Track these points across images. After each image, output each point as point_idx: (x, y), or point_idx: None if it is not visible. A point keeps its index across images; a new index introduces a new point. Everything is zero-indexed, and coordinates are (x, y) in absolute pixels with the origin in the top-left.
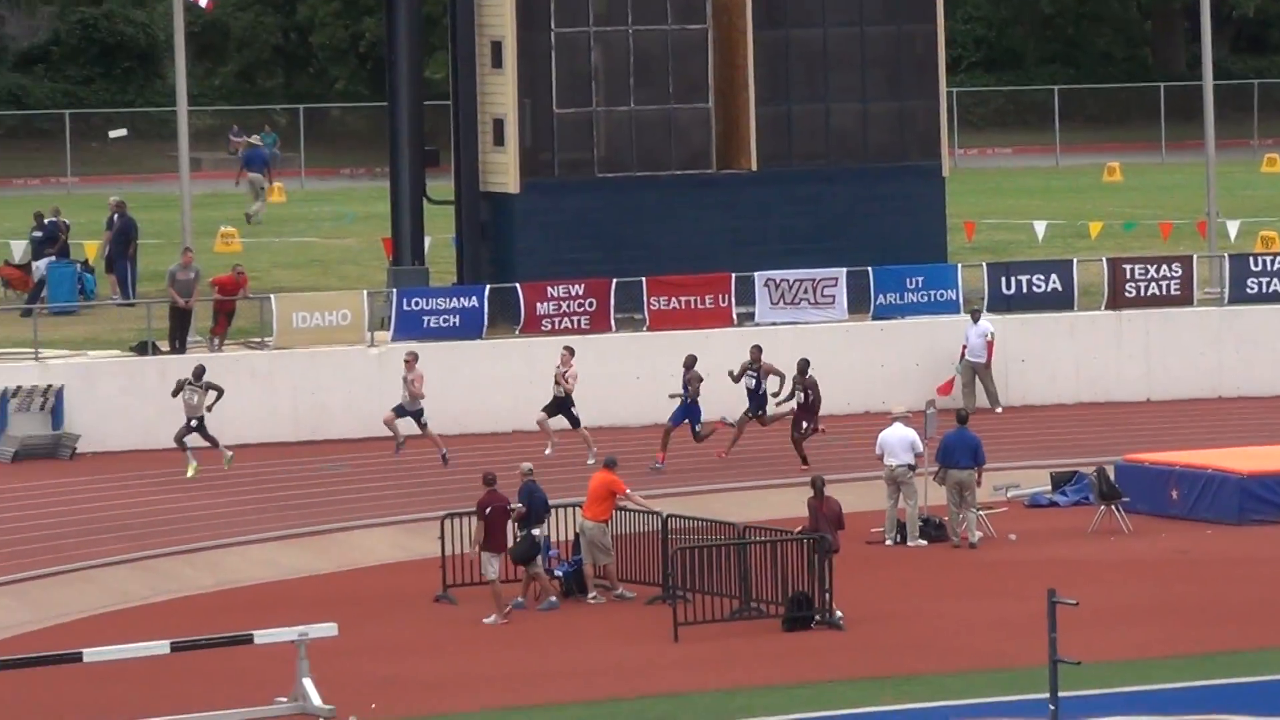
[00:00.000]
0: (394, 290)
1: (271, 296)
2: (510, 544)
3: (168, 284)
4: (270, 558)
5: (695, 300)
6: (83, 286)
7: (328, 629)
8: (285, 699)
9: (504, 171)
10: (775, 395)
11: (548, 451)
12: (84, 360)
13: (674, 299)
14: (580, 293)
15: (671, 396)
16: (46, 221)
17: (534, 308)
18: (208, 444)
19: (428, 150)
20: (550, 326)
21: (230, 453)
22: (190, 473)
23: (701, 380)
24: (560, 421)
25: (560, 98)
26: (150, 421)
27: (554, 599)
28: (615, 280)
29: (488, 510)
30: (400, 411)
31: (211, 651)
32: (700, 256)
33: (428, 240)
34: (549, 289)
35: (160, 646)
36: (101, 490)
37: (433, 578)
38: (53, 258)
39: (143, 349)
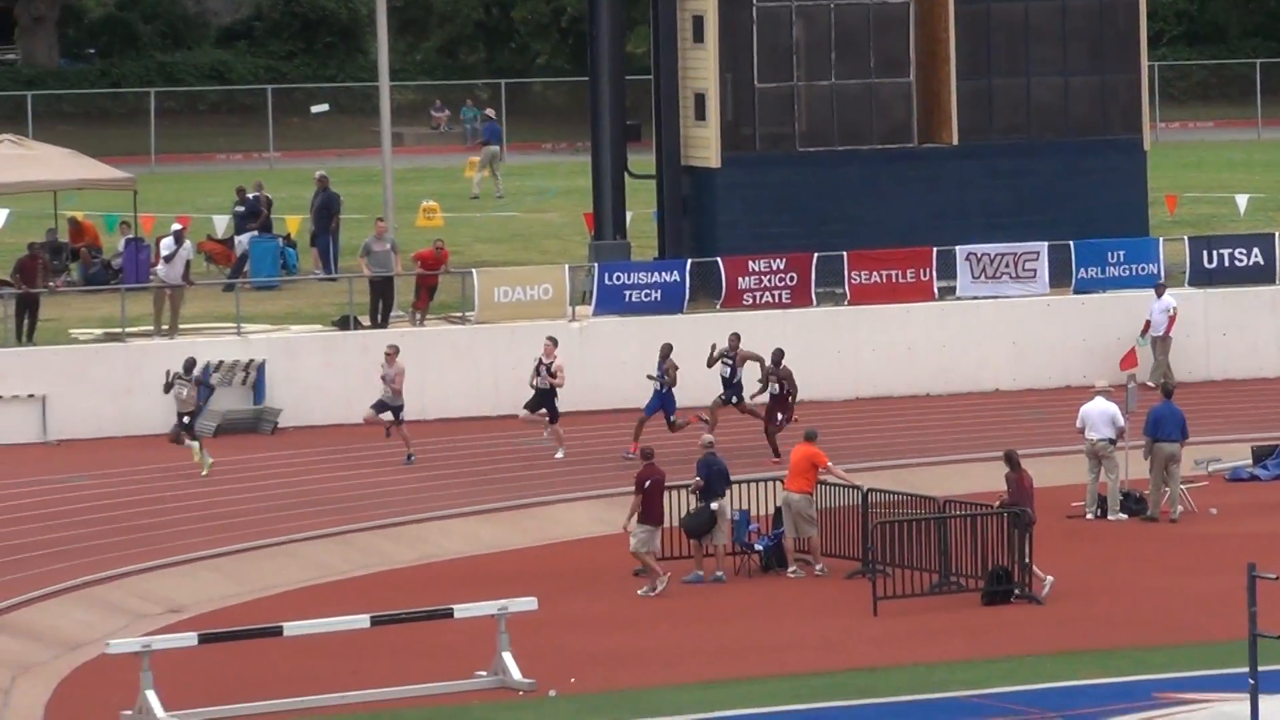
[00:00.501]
0: (595, 264)
1: (473, 271)
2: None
3: (360, 256)
4: (470, 532)
5: (896, 274)
6: (285, 261)
7: (527, 603)
8: (485, 673)
9: (705, 146)
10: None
11: (559, 455)
12: (285, 335)
13: (875, 273)
14: (781, 267)
15: (649, 378)
16: (249, 196)
17: (735, 282)
18: (190, 444)
19: (629, 125)
20: (751, 301)
21: (211, 460)
22: (204, 471)
23: (677, 369)
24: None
25: (761, 72)
26: (351, 396)
27: (720, 573)
28: (816, 254)
29: (646, 484)
30: (380, 408)
31: (411, 625)
32: (901, 230)
33: (629, 214)
34: (750, 263)
35: (360, 620)
36: (302, 465)
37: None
38: (255, 232)
39: (344, 323)
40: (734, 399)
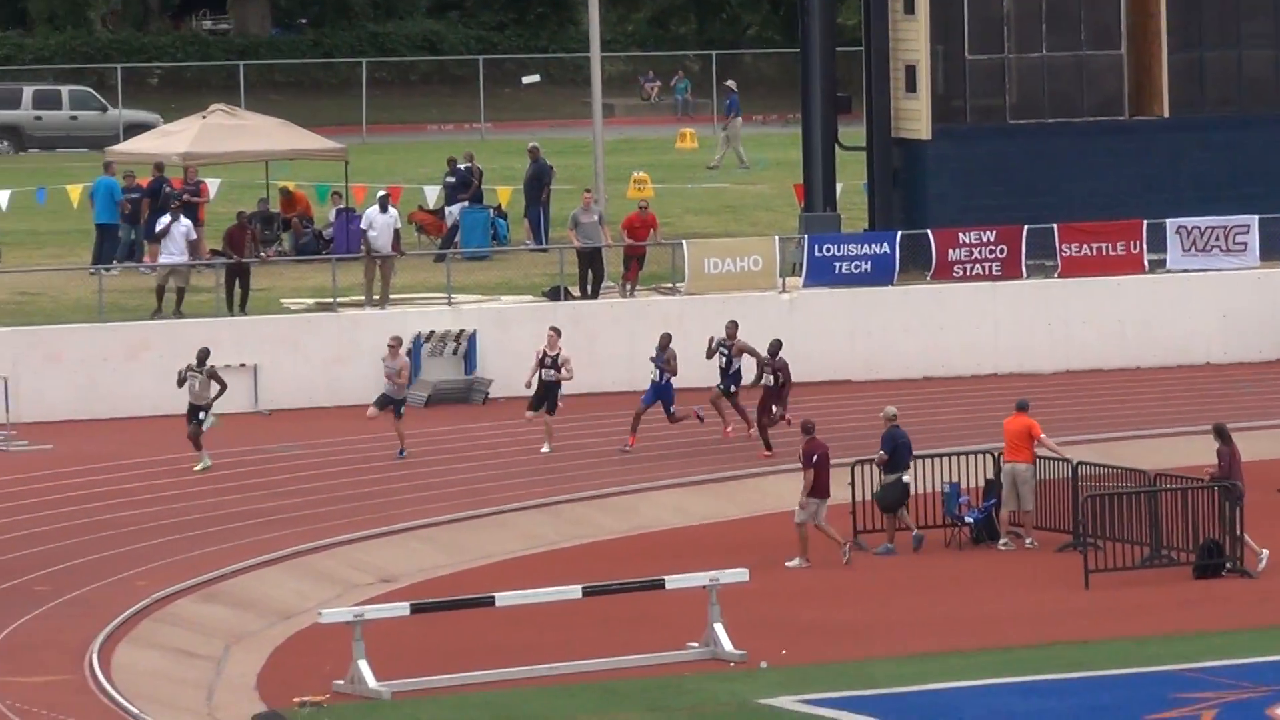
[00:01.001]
0: (805, 236)
1: (683, 242)
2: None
3: (569, 228)
4: (680, 504)
5: (1106, 247)
6: (495, 232)
7: (738, 574)
8: (696, 644)
9: (916, 118)
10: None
11: (545, 449)
12: (496, 305)
13: (1085, 245)
14: (992, 239)
15: (651, 358)
16: (460, 167)
17: (945, 254)
18: (191, 438)
19: (840, 96)
20: (961, 273)
21: (209, 461)
22: (198, 467)
23: (677, 358)
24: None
25: (972, 44)
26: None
27: (890, 545)
28: (1026, 227)
29: (814, 457)
30: (384, 402)
31: (623, 596)
32: (1111, 203)
33: (839, 186)
34: (960, 235)
35: (572, 591)
36: (513, 435)
37: (843, 523)
38: (466, 203)
39: (555, 294)
40: (732, 389)
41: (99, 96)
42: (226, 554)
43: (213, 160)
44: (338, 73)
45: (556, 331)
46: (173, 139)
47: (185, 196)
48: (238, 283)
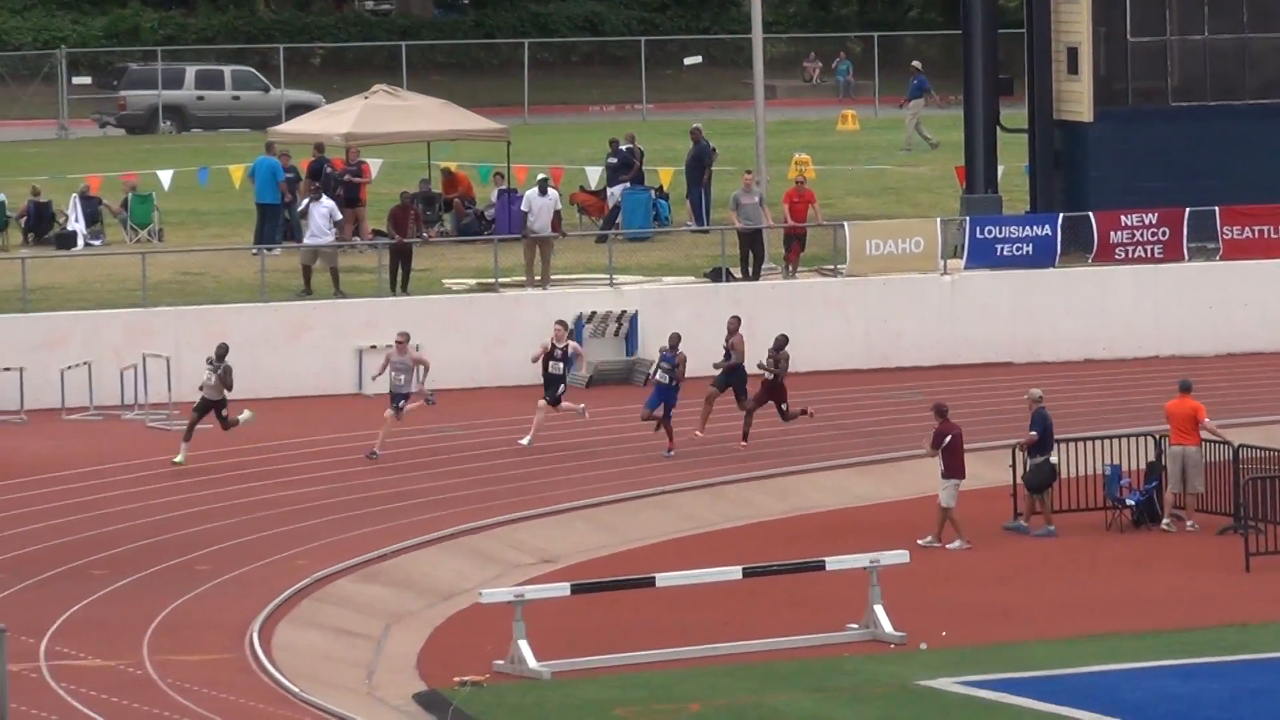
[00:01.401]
0: (967, 218)
1: (845, 224)
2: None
3: (730, 209)
4: (841, 484)
5: (1269, 230)
6: (657, 213)
7: (899, 556)
8: (856, 625)
9: (1078, 100)
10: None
11: (524, 442)
12: (657, 286)
13: (1248, 229)
14: (1153, 222)
15: (662, 348)
16: (622, 148)
17: (1107, 236)
18: (185, 428)
19: (1001, 78)
20: (1123, 255)
21: (182, 457)
22: (178, 458)
23: (686, 362)
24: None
25: (1134, 26)
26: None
27: (1051, 527)
28: (1188, 210)
29: (946, 439)
30: (395, 399)
31: (783, 577)
32: (1274, 186)
33: (1000, 168)
34: (1122, 218)
35: (732, 572)
36: (674, 416)
37: (1002, 506)
38: (627, 184)
39: (716, 275)
40: (728, 386)
41: (261, 77)
42: (387, 534)
43: (375, 141)
44: (499, 53)
45: (564, 325)
46: (335, 119)
47: (347, 177)
48: (400, 263)
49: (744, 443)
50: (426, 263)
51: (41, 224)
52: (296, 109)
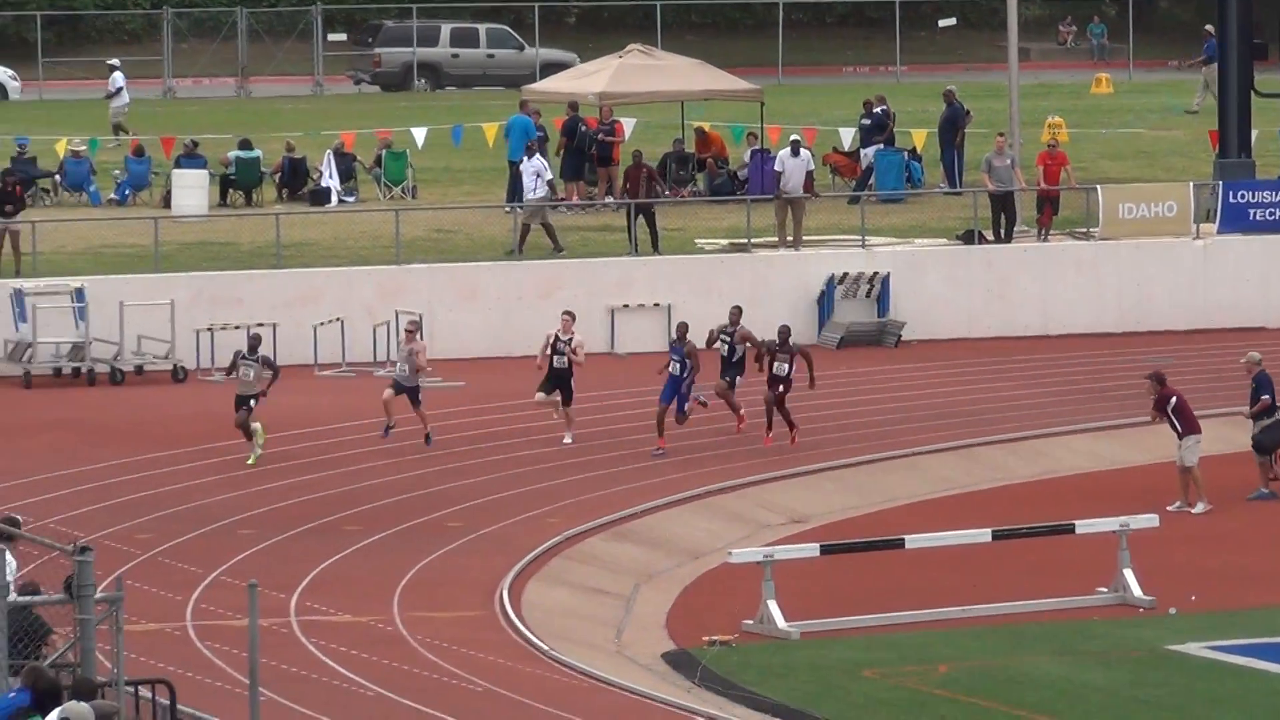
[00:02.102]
0: (1220, 183)
1: (1097, 187)
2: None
3: (982, 171)
4: (1092, 448)
5: None
6: (910, 175)
7: (1149, 520)
8: (1106, 589)
9: None
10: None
11: (567, 440)
12: (909, 248)
13: None
14: None
15: (677, 336)
16: (875, 110)
17: None
18: (254, 427)
19: (1255, 43)
20: None
21: (260, 451)
22: (251, 460)
23: (697, 352)
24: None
25: None
26: (974, 311)
27: (1265, 489)
28: None
29: (1171, 401)
30: (398, 388)
31: (1032, 540)
32: None
33: (1254, 133)
34: None
35: (981, 534)
36: (925, 378)
37: (1254, 472)
38: (880, 146)
39: (968, 238)
40: (734, 381)
41: (516, 35)
42: (637, 493)
43: (628, 100)
44: (754, 14)
45: (571, 316)
46: (589, 78)
47: (601, 136)
48: (647, 223)
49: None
50: (679, 222)
51: (296, 180)
52: (550, 68)
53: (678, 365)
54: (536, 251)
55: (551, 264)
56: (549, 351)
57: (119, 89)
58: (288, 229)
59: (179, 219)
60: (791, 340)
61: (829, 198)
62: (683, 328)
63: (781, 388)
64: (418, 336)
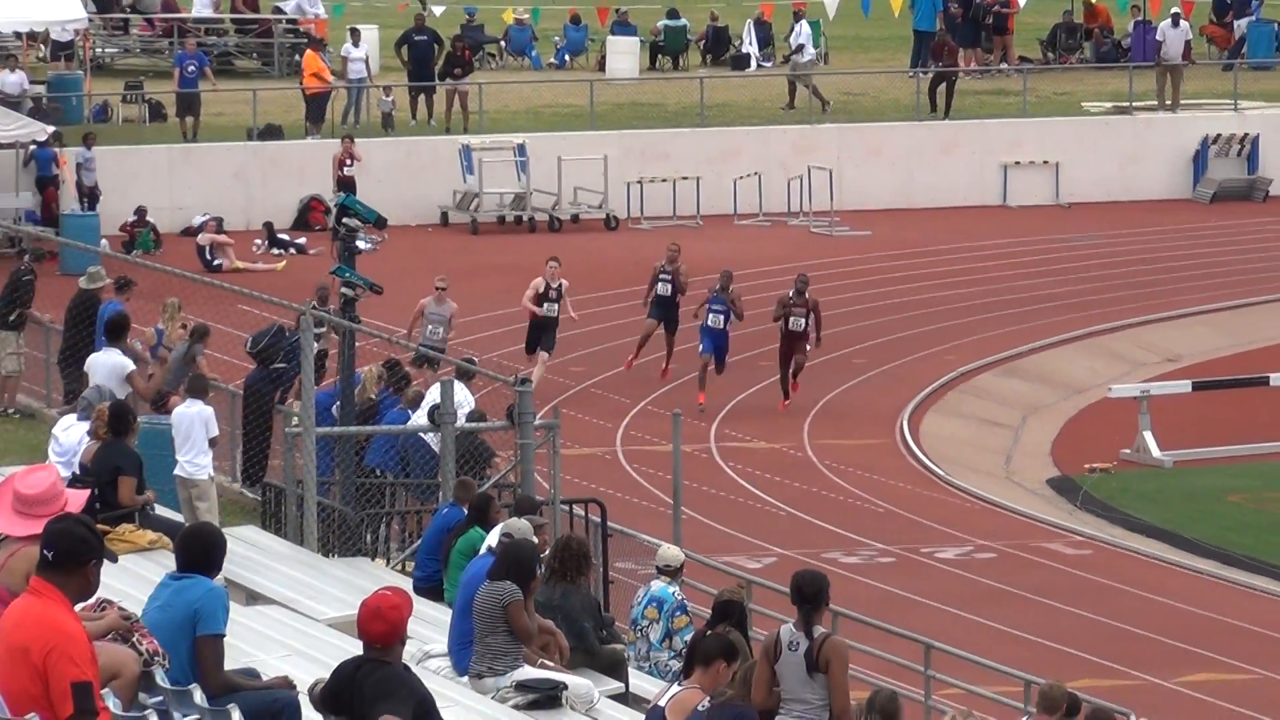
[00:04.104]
0: None
1: None
2: None
3: None
4: None
5: None
6: (1279, 44)
7: None
8: None
9: None
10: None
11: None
12: (1278, 112)
13: None
14: None
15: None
16: None
17: None
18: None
19: None
20: None
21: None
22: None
23: (741, 299)
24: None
25: None
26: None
27: None
28: None
29: None
30: (419, 361)
31: None
32: None
33: None
34: None
35: None
36: None
37: None
38: (1253, 18)
39: None
40: (664, 320)
41: None
42: (1026, 333)
43: None
44: None
45: (557, 261)
46: None
47: (996, 7)
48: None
49: (785, 401)
50: (1066, 87)
51: (719, 46)
52: None
53: (720, 317)
54: (929, 115)
55: (949, 124)
56: (538, 301)
57: None
58: (711, 91)
59: (612, 81)
60: (807, 292)
61: (1205, 65)
62: (726, 276)
63: (795, 344)
64: (448, 297)
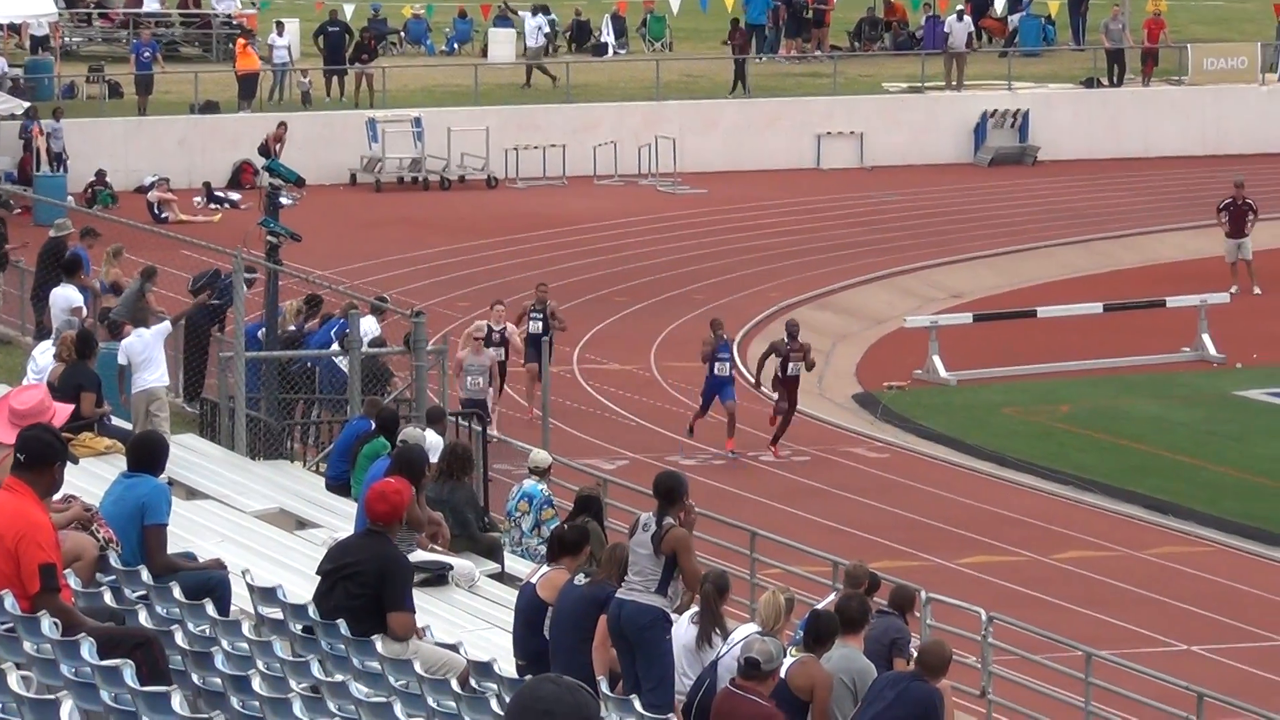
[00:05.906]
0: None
1: (1188, 46)
2: None
3: (1101, 33)
4: (1181, 242)
5: None
6: (1045, 35)
7: (1222, 297)
8: (1189, 349)
9: None
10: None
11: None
12: (1045, 91)
13: None
14: None
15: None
16: None
17: None
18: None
19: None
20: None
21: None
22: None
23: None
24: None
25: None
26: (1094, 138)
27: None
28: None
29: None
30: (467, 407)
31: (1134, 312)
32: None
33: None
34: None
35: (1095, 307)
36: (1055, 188)
37: None
38: (1023, 13)
39: (1089, 83)
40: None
41: None
42: (837, 274)
43: None
44: None
45: (503, 305)
46: None
47: (814, 5)
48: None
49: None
50: (871, 70)
51: (582, 36)
52: None
53: (726, 365)
54: (759, 93)
55: (774, 101)
56: (483, 345)
57: None
58: (575, 74)
59: (493, 65)
60: (799, 336)
61: (984, 52)
62: (716, 324)
63: (794, 390)
64: (484, 349)
